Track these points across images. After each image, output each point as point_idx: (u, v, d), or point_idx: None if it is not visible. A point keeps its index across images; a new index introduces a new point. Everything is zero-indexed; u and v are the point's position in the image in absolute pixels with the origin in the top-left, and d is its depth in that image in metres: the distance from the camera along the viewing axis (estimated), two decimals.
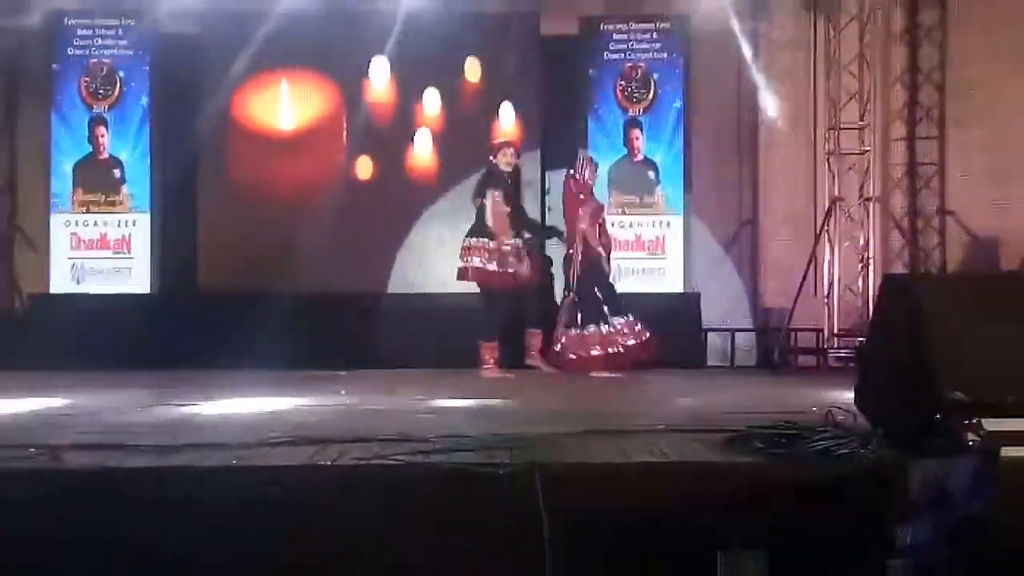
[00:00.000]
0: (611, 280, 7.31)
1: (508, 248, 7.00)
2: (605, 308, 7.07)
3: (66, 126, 8.81)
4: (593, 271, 7.13)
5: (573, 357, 7.06)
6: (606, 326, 7.03)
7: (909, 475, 3.20)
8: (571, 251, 7.29)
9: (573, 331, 7.07)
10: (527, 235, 7.30)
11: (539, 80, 8.82)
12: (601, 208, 7.35)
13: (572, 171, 7.48)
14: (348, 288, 8.62)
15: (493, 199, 6.99)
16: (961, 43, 8.92)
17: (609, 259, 7.36)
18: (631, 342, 7.04)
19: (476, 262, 6.99)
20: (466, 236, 7.12)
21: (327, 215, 8.43)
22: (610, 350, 7.05)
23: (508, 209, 7.06)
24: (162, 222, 8.84)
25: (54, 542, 3.11)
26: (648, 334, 7.09)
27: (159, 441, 3.77)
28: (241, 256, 8.74)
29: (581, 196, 7.33)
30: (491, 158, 7.30)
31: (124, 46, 8.85)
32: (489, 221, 6.96)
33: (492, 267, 6.96)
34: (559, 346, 7.15)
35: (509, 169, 7.15)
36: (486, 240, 6.98)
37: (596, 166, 7.43)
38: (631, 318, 7.11)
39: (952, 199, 9.00)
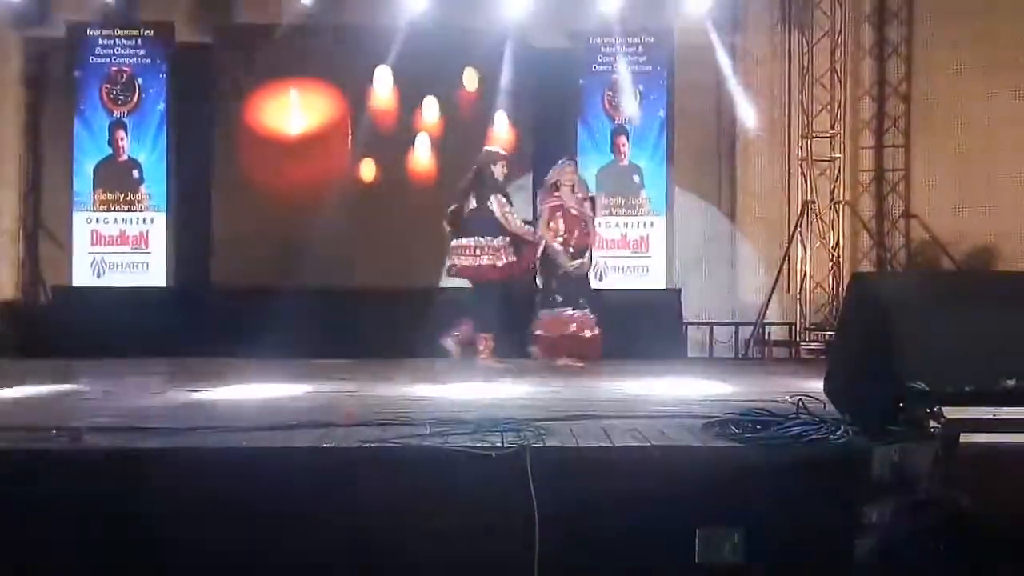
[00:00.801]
0: (573, 272, 7.05)
1: (503, 243, 6.93)
2: (558, 297, 6.98)
3: (88, 130, 8.79)
4: (546, 262, 7.02)
5: (539, 333, 6.96)
6: (566, 310, 6.94)
7: (874, 459, 3.21)
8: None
9: (543, 314, 6.99)
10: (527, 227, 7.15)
11: (532, 90, 8.83)
12: (565, 207, 7.15)
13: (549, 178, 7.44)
14: (354, 283, 8.62)
15: (499, 203, 6.94)
16: (926, 57, 8.95)
17: (584, 254, 7.13)
18: (586, 334, 6.95)
19: (465, 260, 6.96)
20: (455, 236, 7.06)
21: (332, 215, 8.42)
22: (575, 332, 6.90)
23: (511, 207, 7.00)
24: (177, 220, 8.83)
25: (75, 516, 3.11)
26: (597, 331, 6.96)
27: (174, 424, 3.77)
28: (251, 253, 8.73)
29: (545, 193, 7.25)
30: (491, 165, 7.22)
31: (143, 55, 8.84)
32: (507, 223, 6.88)
33: (483, 261, 6.93)
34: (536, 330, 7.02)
35: (501, 179, 7.14)
36: (482, 239, 6.96)
37: (574, 167, 7.29)
38: (588, 314, 6.98)
39: (916, 203, 9.03)
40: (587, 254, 7.12)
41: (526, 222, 7.13)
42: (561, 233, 6.98)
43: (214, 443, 3.42)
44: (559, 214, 7.00)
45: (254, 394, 5.23)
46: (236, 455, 3.30)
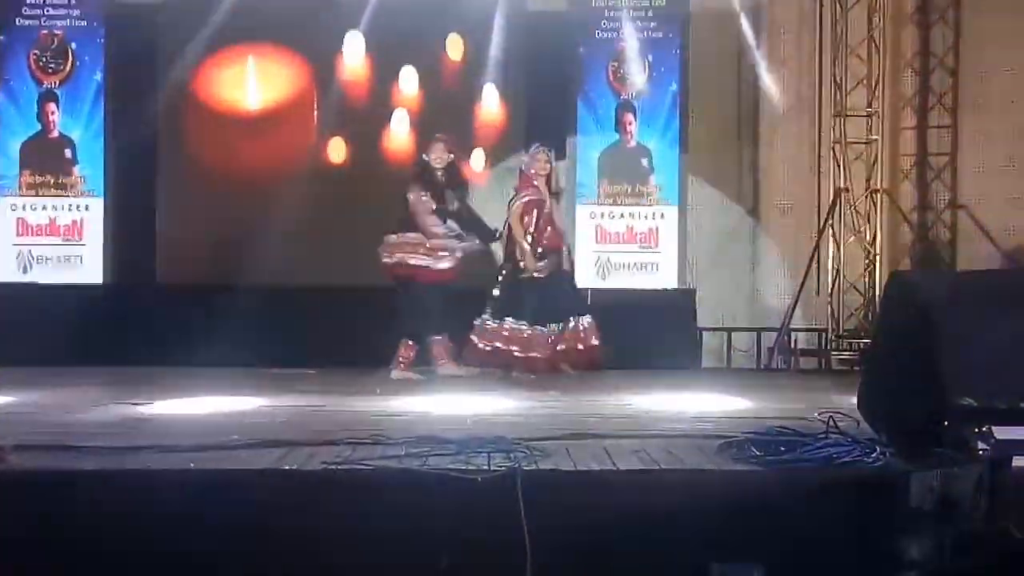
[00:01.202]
0: (538, 279, 7.11)
1: (437, 244, 7.09)
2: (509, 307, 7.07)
3: (13, 102, 8.75)
4: (509, 266, 7.09)
5: (480, 346, 7.02)
6: (519, 325, 7.02)
7: (914, 486, 3.22)
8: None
9: (487, 322, 7.05)
10: (456, 231, 7.26)
11: (525, 60, 8.83)
12: (541, 203, 7.20)
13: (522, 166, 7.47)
14: (318, 281, 8.60)
15: (417, 196, 7.09)
16: (976, 24, 8.96)
17: (554, 257, 7.17)
18: (561, 347, 6.99)
19: (398, 257, 7.09)
20: (390, 232, 7.19)
21: (296, 201, 8.41)
22: (519, 352, 6.97)
23: (434, 206, 7.15)
24: (116, 207, 8.80)
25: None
26: (593, 342, 7.00)
27: (112, 443, 3.77)
28: (202, 245, 8.71)
29: (521, 183, 7.30)
30: (423, 154, 7.32)
31: (77, 16, 8.80)
32: (416, 218, 7.06)
33: (415, 261, 7.08)
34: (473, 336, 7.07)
35: (441, 165, 7.20)
36: (411, 235, 7.08)
37: (549, 157, 7.34)
38: (578, 324, 7.00)
39: (965, 192, 9.05)
40: (559, 258, 7.11)
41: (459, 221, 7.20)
42: (531, 231, 7.03)
43: (157, 465, 3.42)
44: (535, 209, 7.05)
45: (204, 408, 5.23)
46: (183, 479, 3.30)
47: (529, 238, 6.99)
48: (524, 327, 6.94)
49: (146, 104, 8.73)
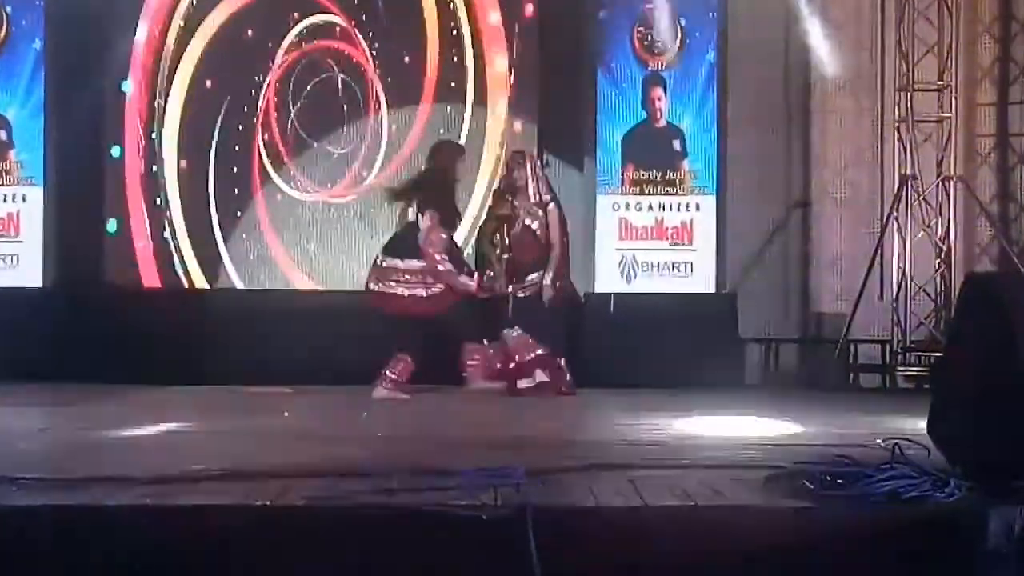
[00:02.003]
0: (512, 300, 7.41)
1: (441, 270, 7.22)
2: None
3: None
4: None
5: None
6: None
7: (994, 524, 3.22)
8: None
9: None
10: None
11: (535, 25, 8.84)
12: (510, 219, 7.51)
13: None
14: (299, 284, 8.63)
15: (432, 220, 7.20)
16: None
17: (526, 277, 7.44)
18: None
19: (392, 287, 7.19)
20: (383, 254, 7.27)
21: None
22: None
23: (446, 236, 7.32)
24: (59, 198, 8.82)
25: None
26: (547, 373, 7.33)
27: (55, 473, 3.77)
28: (159, 242, 8.74)
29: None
30: (444, 166, 7.43)
31: None
32: (423, 243, 7.16)
33: (406, 292, 7.17)
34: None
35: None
36: (410, 261, 7.17)
37: (523, 165, 7.53)
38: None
39: None
40: (539, 276, 7.32)
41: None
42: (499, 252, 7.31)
43: (108, 499, 3.42)
44: (503, 226, 7.43)
45: (162, 433, 5.24)
46: (137, 516, 3.30)
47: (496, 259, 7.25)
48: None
49: (93, 76, 8.76)
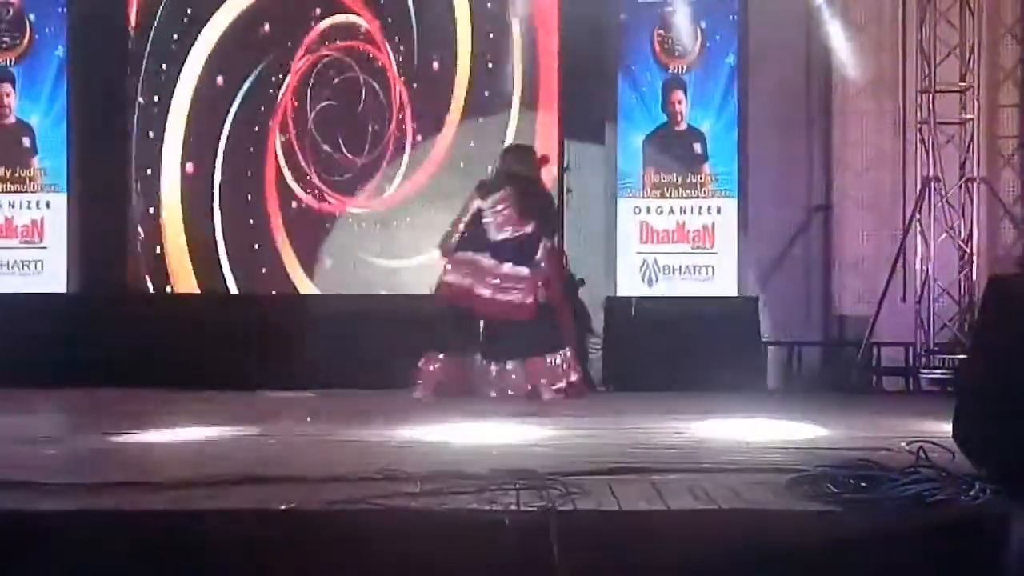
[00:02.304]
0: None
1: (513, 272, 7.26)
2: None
3: None
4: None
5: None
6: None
7: (1019, 529, 3.20)
8: None
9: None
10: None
11: (557, 27, 8.84)
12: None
13: None
14: (323, 288, 8.66)
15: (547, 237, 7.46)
16: None
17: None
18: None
19: (468, 282, 7.23)
20: (460, 247, 7.31)
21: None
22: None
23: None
24: (83, 204, 8.87)
25: None
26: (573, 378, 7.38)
27: (78, 479, 3.79)
28: (183, 248, 8.78)
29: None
30: (540, 170, 7.56)
31: None
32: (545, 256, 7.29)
33: (487, 292, 7.22)
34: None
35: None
36: (516, 267, 7.23)
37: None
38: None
39: None
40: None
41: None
42: None
43: (131, 504, 3.44)
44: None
45: (185, 438, 5.26)
46: (160, 520, 3.32)
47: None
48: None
49: (117, 83, 8.80)
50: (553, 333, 7.43)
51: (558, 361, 7.40)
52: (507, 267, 7.26)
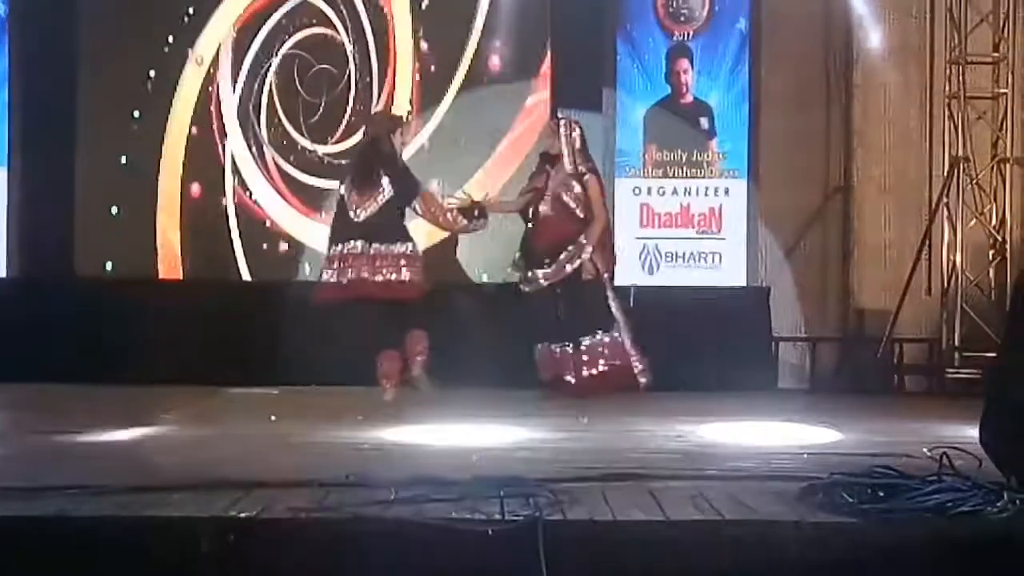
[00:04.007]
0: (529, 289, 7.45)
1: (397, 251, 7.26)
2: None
3: None
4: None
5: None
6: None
7: None
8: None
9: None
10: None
11: None
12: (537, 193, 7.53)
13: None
14: (287, 275, 8.64)
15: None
16: None
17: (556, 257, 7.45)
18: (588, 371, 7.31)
19: (351, 273, 7.22)
20: (336, 241, 7.29)
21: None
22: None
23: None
24: (24, 180, 8.83)
25: None
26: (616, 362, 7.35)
27: (20, 482, 3.79)
28: (134, 229, 8.76)
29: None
30: (392, 134, 7.48)
31: None
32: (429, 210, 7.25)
33: (369, 275, 7.20)
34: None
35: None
36: (373, 245, 7.21)
37: (560, 128, 7.52)
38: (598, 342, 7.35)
39: None
40: (574, 256, 7.32)
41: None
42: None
43: (80, 510, 3.44)
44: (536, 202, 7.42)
45: (136, 438, 5.26)
46: (110, 527, 3.32)
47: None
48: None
49: (63, 45, 8.76)
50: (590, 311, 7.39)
51: (596, 341, 7.35)
52: (377, 247, 7.21)
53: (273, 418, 6.07)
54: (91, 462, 4.53)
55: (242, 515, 3.40)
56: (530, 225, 7.53)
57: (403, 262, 7.11)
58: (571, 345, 7.32)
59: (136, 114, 8.85)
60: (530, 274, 7.42)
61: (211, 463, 4.38)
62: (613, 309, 7.45)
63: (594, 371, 7.34)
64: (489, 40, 8.79)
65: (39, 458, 4.61)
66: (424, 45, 8.82)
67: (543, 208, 7.46)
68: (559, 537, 3.23)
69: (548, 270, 7.38)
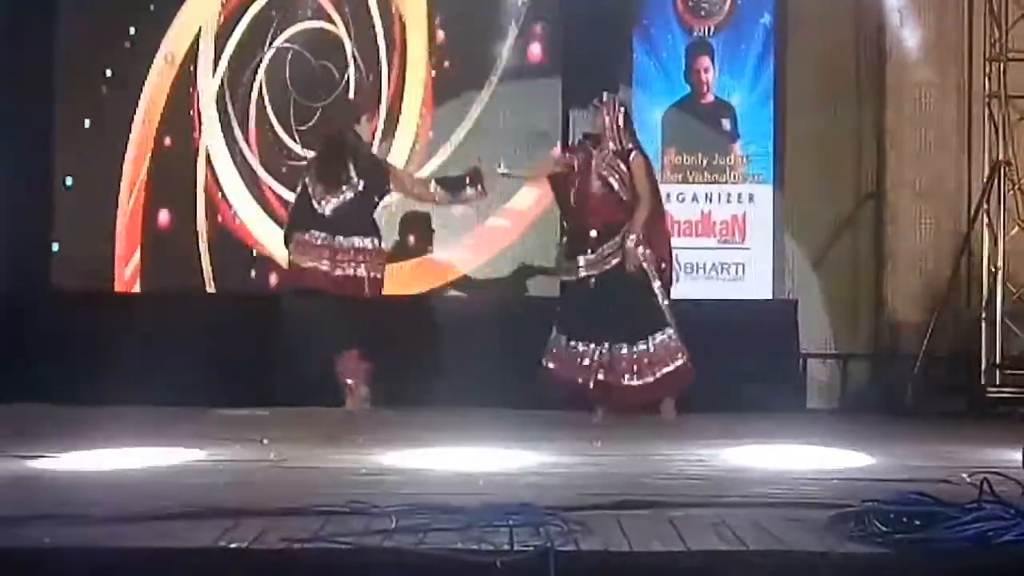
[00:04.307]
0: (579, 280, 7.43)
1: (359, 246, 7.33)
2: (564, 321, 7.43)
3: None
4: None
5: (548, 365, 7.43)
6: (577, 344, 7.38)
7: None
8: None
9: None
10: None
11: None
12: (569, 176, 7.53)
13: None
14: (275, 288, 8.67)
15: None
16: None
17: (602, 247, 7.42)
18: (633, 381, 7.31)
19: (310, 263, 7.31)
20: (297, 228, 7.38)
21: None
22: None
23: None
24: (1, 190, 8.86)
25: None
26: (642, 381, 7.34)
27: None
28: (115, 241, 8.79)
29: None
30: (355, 124, 7.57)
31: None
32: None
33: (329, 269, 7.28)
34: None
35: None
36: (336, 238, 7.28)
37: (602, 109, 7.52)
38: (623, 352, 7.32)
39: None
40: (617, 247, 7.32)
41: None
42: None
43: (59, 540, 3.44)
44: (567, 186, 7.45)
45: (121, 463, 5.26)
46: (91, 558, 3.32)
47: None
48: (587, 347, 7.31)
49: (42, 50, 8.80)
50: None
51: (660, 341, 7.36)
52: (340, 240, 7.28)
53: (265, 441, 6.06)
54: (70, 488, 4.53)
55: (232, 545, 3.40)
56: (573, 205, 7.51)
57: (362, 258, 7.21)
58: (624, 347, 7.30)
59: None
60: (569, 262, 7.42)
61: (199, 490, 4.38)
62: (660, 301, 7.44)
63: (657, 375, 7.33)
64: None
65: (13, 485, 4.61)
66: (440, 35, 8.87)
67: (589, 189, 7.42)
68: (572, 569, 3.23)
69: (591, 256, 7.36)
